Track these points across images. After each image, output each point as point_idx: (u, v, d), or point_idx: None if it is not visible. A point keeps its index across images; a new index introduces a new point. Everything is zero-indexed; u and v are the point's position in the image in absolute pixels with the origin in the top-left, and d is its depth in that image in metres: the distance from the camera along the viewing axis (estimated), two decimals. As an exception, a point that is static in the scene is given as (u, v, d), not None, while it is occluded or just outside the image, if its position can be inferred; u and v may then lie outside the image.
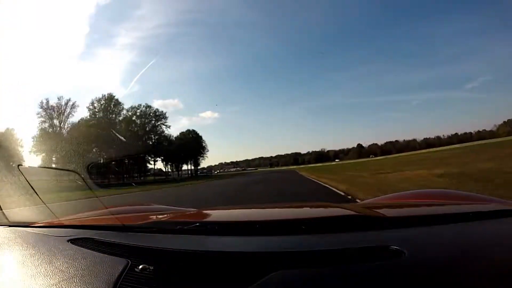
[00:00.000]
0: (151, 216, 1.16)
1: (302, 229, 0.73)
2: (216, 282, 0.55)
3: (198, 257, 0.64)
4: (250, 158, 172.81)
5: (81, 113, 52.75)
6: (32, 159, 37.71)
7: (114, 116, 49.40)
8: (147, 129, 55.35)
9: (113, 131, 44.08)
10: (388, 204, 1.20)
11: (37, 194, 1.20)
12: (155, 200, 10.01)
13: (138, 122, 54.19)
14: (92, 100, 47.84)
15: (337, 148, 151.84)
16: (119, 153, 42.33)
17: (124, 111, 51.56)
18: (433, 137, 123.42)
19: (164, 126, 57.24)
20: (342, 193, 7.94)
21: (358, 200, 5.77)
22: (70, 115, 43.96)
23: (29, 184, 1.20)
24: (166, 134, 58.68)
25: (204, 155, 70.45)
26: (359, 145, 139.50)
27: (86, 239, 0.82)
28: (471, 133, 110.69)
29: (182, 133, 67.79)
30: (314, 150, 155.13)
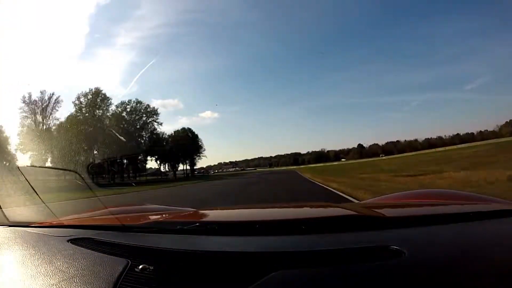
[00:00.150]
0: (151, 216, 1.17)
1: (302, 229, 0.73)
2: (216, 282, 0.55)
3: (198, 257, 0.64)
4: (249, 158, 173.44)
5: (68, 109, 49.92)
6: (19, 157, 35.74)
7: (101, 112, 45.16)
8: (138, 126, 51.05)
9: (101, 127, 41.40)
10: (388, 204, 1.20)
11: (37, 194, 1.20)
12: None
13: (128, 119, 49.89)
14: (78, 94, 44.05)
15: (337, 148, 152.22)
16: (107, 151, 40.52)
17: (114, 107, 47.53)
18: (435, 137, 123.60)
19: (156, 123, 53.14)
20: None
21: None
22: (54, 110, 40.41)
23: (29, 184, 1.20)
24: (158, 132, 54.90)
25: (201, 155, 66.23)
26: (360, 145, 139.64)
27: (86, 239, 0.82)
28: (473, 133, 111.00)
29: (176, 131, 63.36)
30: (314, 150, 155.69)
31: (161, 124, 53.84)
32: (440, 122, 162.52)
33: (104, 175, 41.99)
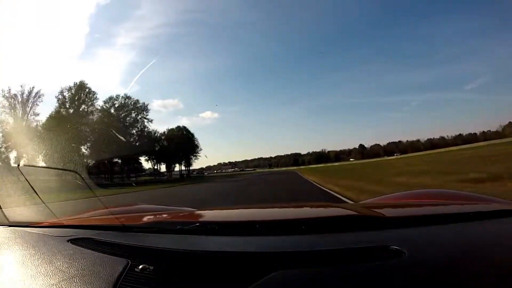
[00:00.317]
0: (151, 216, 1.16)
1: (302, 229, 0.73)
2: (216, 282, 0.55)
3: (198, 257, 0.64)
4: (249, 158, 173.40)
5: (52, 104, 45.85)
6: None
7: (86, 107, 41.82)
8: (127, 123, 47.10)
9: (86, 124, 38.53)
10: (388, 204, 1.20)
11: (37, 194, 1.20)
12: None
13: (116, 115, 46.03)
14: (62, 88, 40.72)
15: (337, 148, 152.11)
16: (93, 149, 38.01)
17: (101, 102, 44.14)
18: (437, 137, 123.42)
19: (145, 120, 49.13)
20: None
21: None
22: (35, 104, 37.65)
23: (29, 184, 1.20)
24: (150, 130, 51.02)
25: (197, 155, 62.10)
26: (361, 146, 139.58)
27: (86, 239, 0.82)
28: (475, 133, 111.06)
29: (171, 130, 59.38)
30: (314, 150, 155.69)
31: (151, 121, 50.23)
32: (440, 122, 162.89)
33: (98, 175, 40.50)
